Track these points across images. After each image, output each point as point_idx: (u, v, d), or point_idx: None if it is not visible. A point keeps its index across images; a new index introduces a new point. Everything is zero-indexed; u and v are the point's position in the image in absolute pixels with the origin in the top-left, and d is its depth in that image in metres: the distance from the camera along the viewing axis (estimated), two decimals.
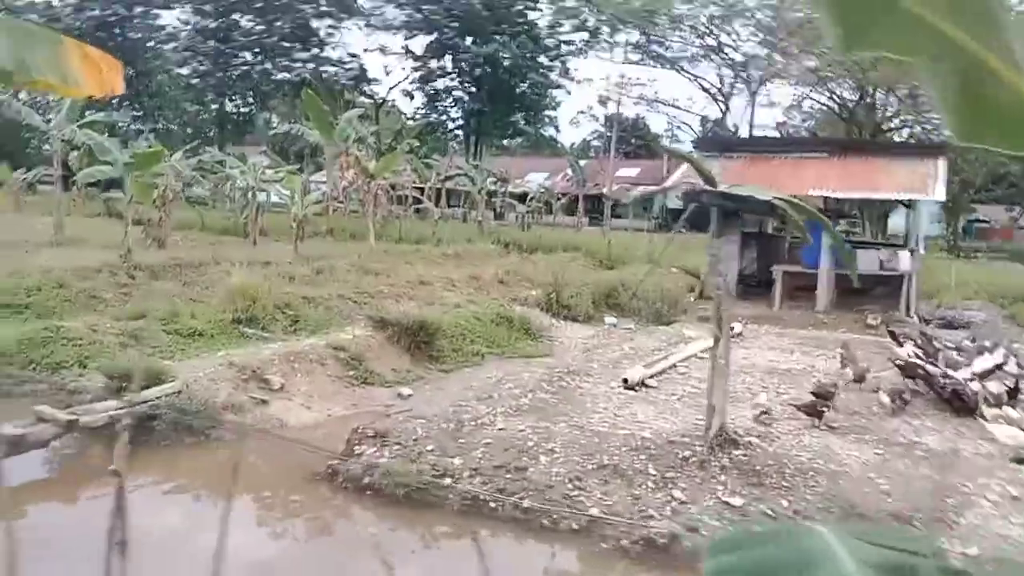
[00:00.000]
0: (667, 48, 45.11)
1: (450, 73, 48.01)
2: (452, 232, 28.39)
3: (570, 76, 50.10)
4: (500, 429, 7.54)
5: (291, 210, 21.01)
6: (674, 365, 10.29)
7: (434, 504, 6.61)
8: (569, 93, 59.40)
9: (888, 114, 49.48)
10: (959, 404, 8.70)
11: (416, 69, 48.04)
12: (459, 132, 49.32)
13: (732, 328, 13.00)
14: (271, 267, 18.41)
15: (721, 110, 45.08)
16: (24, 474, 6.94)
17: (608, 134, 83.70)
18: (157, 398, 8.07)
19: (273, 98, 50.36)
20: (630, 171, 52.65)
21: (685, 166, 16.11)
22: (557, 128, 62.95)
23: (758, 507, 6.21)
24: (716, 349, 6.78)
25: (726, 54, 42.48)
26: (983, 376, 9.44)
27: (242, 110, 51.04)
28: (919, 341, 11.85)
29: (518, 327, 13.39)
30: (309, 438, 8.50)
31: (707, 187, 6.59)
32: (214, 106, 48.16)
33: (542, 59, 48.86)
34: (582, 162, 60.58)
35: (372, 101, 46.37)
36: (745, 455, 6.77)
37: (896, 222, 27.14)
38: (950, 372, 9.22)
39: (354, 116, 27.10)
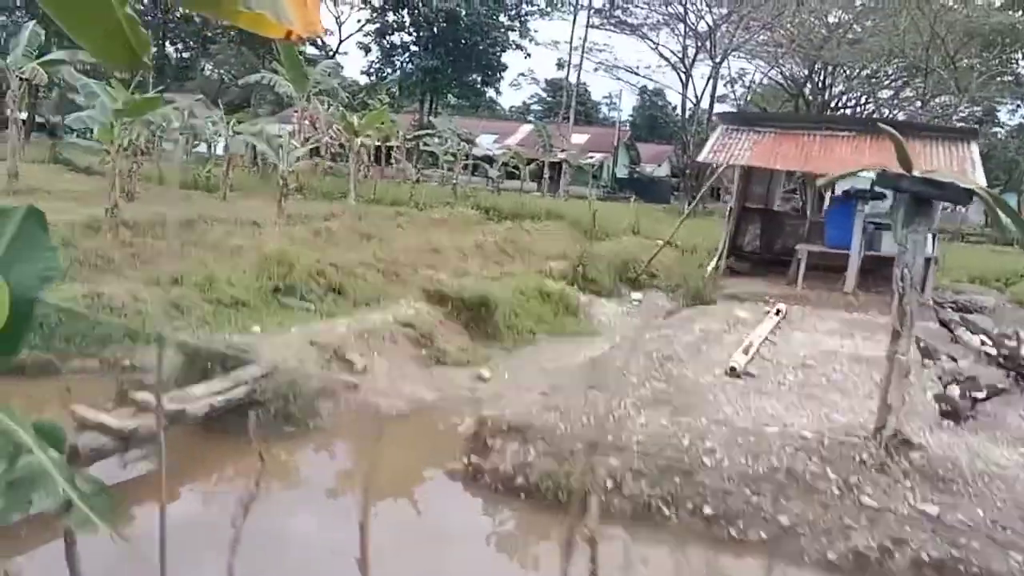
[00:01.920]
0: (630, 14, 44.42)
1: (407, 27, 46.36)
2: (428, 194, 27.45)
3: (530, 37, 49.22)
4: (643, 424, 7.00)
5: (278, 166, 19.75)
6: (757, 350, 9.90)
7: (601, 510, 6.07)
8: (528, 56, 58.41)
9: (837, 91, 50.34)
10: None
11: (372, 21, 46.29)
12: (415, 89, 47.78)
13: (779, 310, 12.79)
14: (262, 228, 17.39)
15: (682, 80, 44.86)
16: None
17: (549, 98, 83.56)
18: (245, 382, 7.23)
19: (215, 43, 47.78)
20: (580, 137, 52.21)
21: (715, 137, 15.71)
22: (498, 91, 62.05)
23: (955, 516, 5.88)
24: (897, 345, 6.37)
25: (691, 23, 42.15)
26: None
27: (183, 55, 48.15)
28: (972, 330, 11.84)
29: (558, 303, 12.85)
30: (410, 427, 7.85)
31: (903, 172, 6.10)
32: (152, 49, 45.04)
33: (502, 18, 47.69)
34: (529, 126, 60.00)
35: (324, 53, 44.42)
36: (923, 458, 6.42)
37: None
38: None
39: (329, 67, 25.73)
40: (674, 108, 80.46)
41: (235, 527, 2.18)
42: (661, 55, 45.30)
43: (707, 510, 5.97)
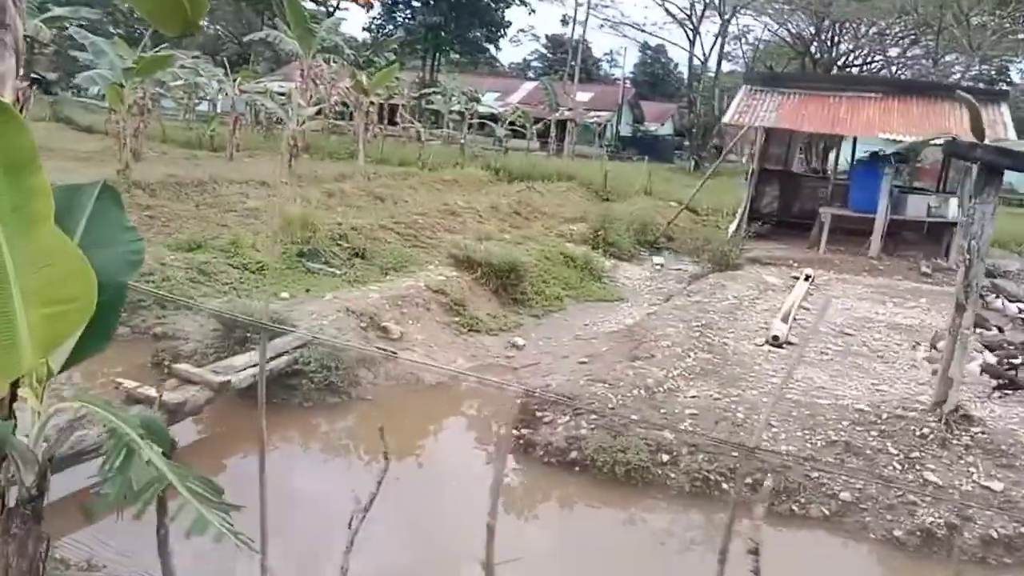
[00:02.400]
0: None
1: None
2: (435, 154, 27.04)
3: None
4: (693, 396, 6.87)
5: (288, 125, 19.38)
6: (794, 318, 9.74)
7: (656, 484, 5.96)
8: (532, 12, 57.27)
9: (844, 49, 49.56)
10: None
11: None
12: (417, 46, 46.92)
13: (808, 276, 12.62)
14: (274, 188, 17.14)
15: (688, 37, 44.13)
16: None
17: (550, 55, 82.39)
18: (286, 352, 7.05)
19: None
20: (584, 95, 51.42)
21: (739, 97, 15.38)
22: (498, 47, 60.91)
23: (1020, 492, 5.78)
24: (961, 317, 6.21)
25: None
26: None
27: None
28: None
29: (582, 267, 12.66)
30: (452, 396, 7.71)
31: (975, 142, 5.88)
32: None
33: None
34: (532, 84, 59.14)
35: (324, 9, 43.48)
36: (984, 432, 6.30)
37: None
38: None
39: (335, 24, 25.13)
40: (676, 65, 79.69)
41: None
42: (667, 11, 44.41)
43: (767, 485, 5.84)
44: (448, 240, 14.40)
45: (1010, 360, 8.47)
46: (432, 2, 45.83)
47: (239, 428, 6.25)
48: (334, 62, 27.75)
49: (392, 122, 31.20)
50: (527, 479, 6.13)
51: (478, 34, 48.91)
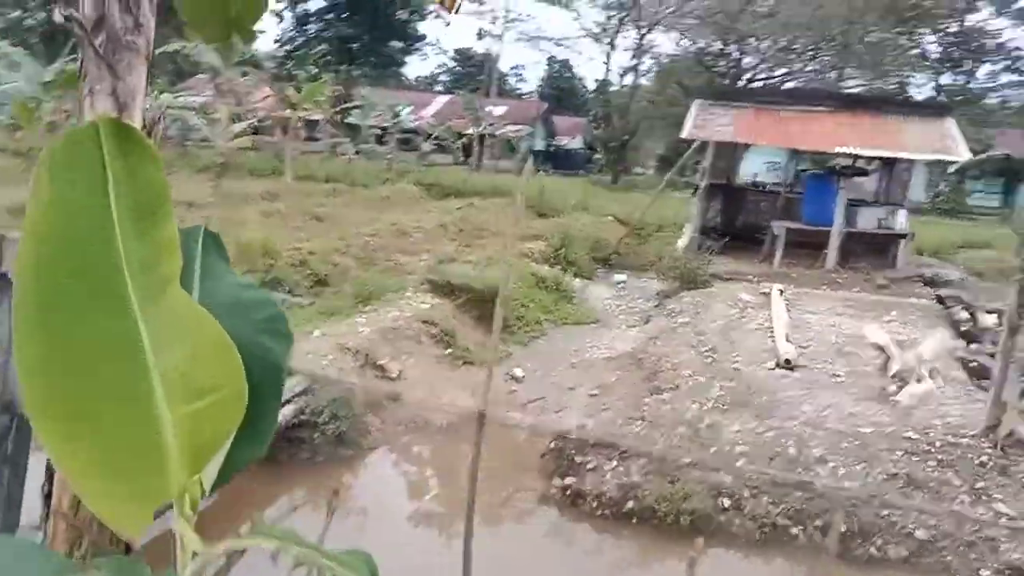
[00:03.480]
0: None
1: None
2: (363, 170, 26.16)
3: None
4: (736, 431, 6.46)
5: (215, 141, 18.29)
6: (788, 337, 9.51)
7: (722, 532, 5.52)
8: (448, 24, 56.80)
9: (748, 63, 50.98)
10: None
11: None
12: (330, 59, 45.61)
13: (781, 291, 12.51)
14: (203, 209, 16.10)
15: (606, 52, 44.43)
16: None
17: (459, 68, 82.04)
18: (288, 400, 6.30)
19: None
20: (499, 110, 51.28)
21: (693, 113, 15.23)
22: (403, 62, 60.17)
23: None
24: (1011, 340, 6.02)
25: None
26: None
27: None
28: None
29: (553, 289, 12.21)
30: (468, 440, 7.07)
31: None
32: (41, 14, 41.51)
33: None
34: (445, 97, 58.64)
35: None
36: None
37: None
38: None
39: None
40: (581, 79, 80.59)
41: None
42: (583, 26, 44.69)
43: (840, 527, 5.48)
44: (405, 262, 13.75)
45: None
46: (346, 14, 44.75)
47: (242, 494, 5.48)
48: (245, 75, 26.62)
49: (311, 138, 30.09)
50: (581, 535, 5.57)
51: (394, 45, 48.01)
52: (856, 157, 14.88)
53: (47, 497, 2.69)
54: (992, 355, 8.50)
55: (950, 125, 14.55)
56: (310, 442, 6.12)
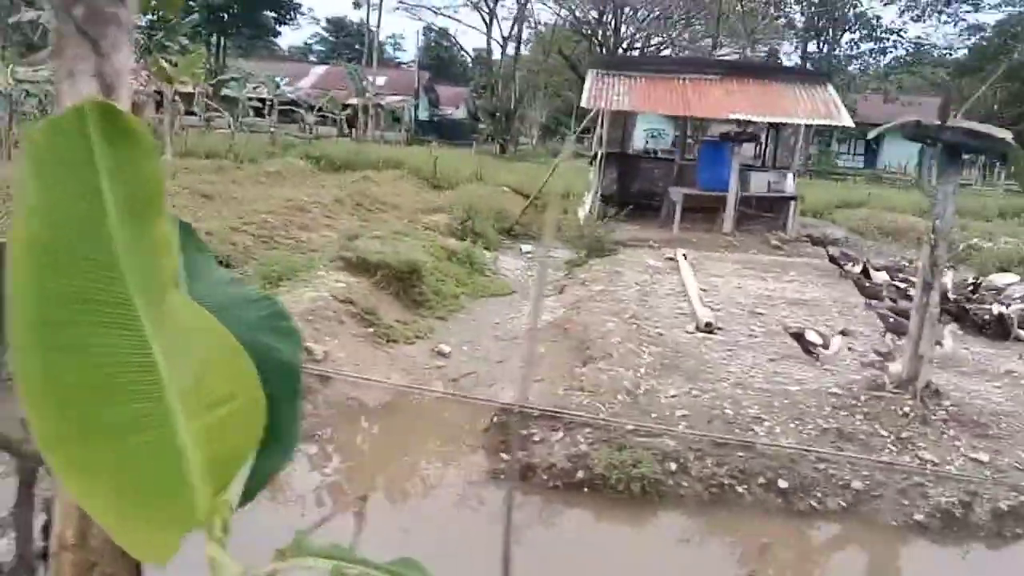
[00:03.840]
0: None
1: None
2: (247, 146, 25.09)
3: None
4: (673, 396, 6.57)
5: None
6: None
7: (672, 495, 5.61)
8: None
9: (628, 32, 51.80)
10: (998, 330, 9.16)
11: None
12: (200, 29, 43.42)
13: (685, 255, 12.83)
14: None
15: (485, 21, 44.16)
16: None
17: (332, 38, 79.82)
18: None
19: None
20: (379, 79, 50.30)
21: (589, 82, 15.32)
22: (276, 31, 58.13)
23: (1004, 461, 5.98)
24: (929, 296, 6.34)
25: None
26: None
27: None
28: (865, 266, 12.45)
29: (465, 262, 12.08)
30: (408, 420, 6.94)
31: (943, 123, 5.96)
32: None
33: None
34: (322, 68, 56.99)
35: None
36: (954, 405, 6.50)
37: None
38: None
39: None
40: (460, 49, 79.96)
41: None
42: None
43: (781, 483, 5.67)
44: (307, 239, 13.32)
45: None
46: None
47: None
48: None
49: (189, 112, 28.63)
50: (535, 508, 5.54)
51: (265, 16, 46.13)
52: (748, 123, 15.35)
53: (45, 530, 2.41)
54: (895, 312, 8.99)
55: (831, 91, 15.20)
56: None
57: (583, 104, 14.84)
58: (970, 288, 10.94)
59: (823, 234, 16.79)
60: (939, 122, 5.99)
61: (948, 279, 11.36)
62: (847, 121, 14.41)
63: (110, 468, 1.47)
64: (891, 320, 7.66)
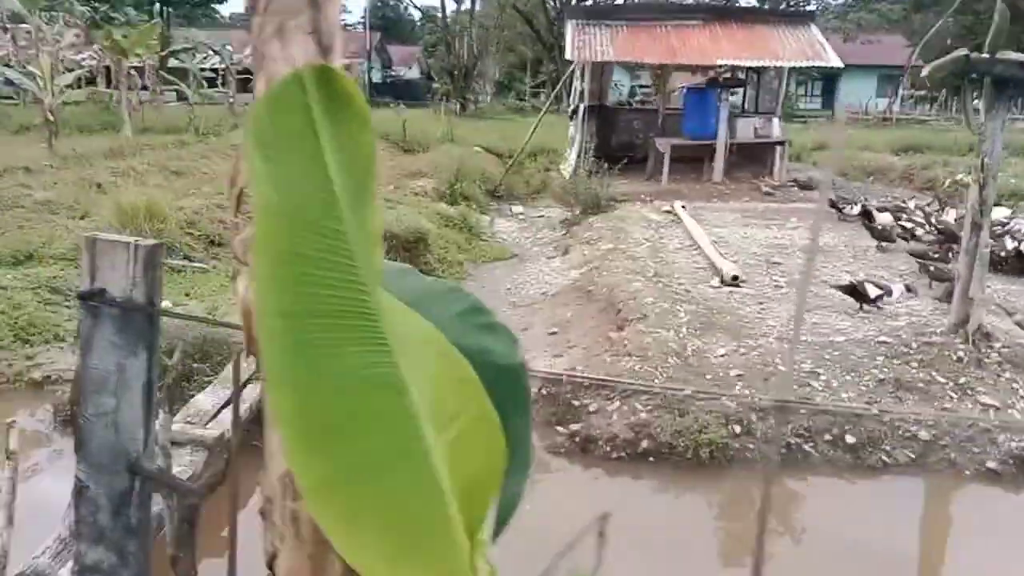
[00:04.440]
0: None
1: None
2: (207, 119, 24.18)
3: None
4: (722, 355, 6.36)
5: (44, 99, 16.24)
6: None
7: (740, 460, 5.42)
8: None
9: None
10: (1016, 265, 9.09)
11: None
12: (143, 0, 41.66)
13: (684, 207, 12.62)
14: (44, 174, 14.42)
15: None
16: None
17: None
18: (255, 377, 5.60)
19: None
20: None
21: (571, 33, 14.85)
22: None
23: None
24: (977, 237, 6.18)
25: None
26: None
27: None
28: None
29: (463, 227, 11.74)
30: None
31: (995, 56, 5.72)
32: None
33: None
34: None
35: None
36: (1006, 347, 6.39)
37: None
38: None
39: None
40: (406, 7, 78.36)
41: None
42: None
43: (848, 439, 5.51)
44: None
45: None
46: None
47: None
48: (52, 22, 23.89)
49: (143, 87, 27.51)
50: (604, 483, 5.31)
51: None
52: (734, 68, 15.08)
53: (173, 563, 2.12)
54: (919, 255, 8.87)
55: (816, 32, 14.97)
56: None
57: (567, 56, 14.41)
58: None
59: (809, 178, 16.67)
60: (988, 54, 5.76)
61: (951, 216, 11.32)
62: (836, 61, 14.21)
63: (370, 513, 1.21)
64: (931, 269, 7.48)
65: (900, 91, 37.12)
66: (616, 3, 28.66)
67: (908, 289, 7.29)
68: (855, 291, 7.19)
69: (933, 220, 11.31)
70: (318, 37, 1.40)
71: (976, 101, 6.16)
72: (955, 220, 11.21)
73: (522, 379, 1.78)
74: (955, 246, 9.47)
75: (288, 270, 1.15)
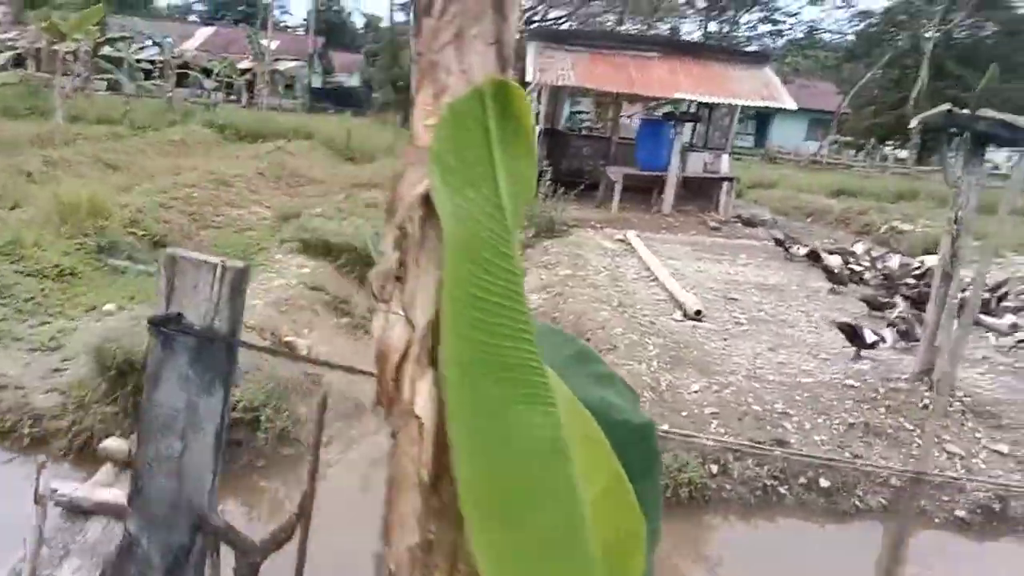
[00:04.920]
0: None
1: None
2: (143, 111, 23.28)
3: None
4: (695, 392, 6.29)
5: None
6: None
7: (717, 500, 5.35)
8: None
9: (527, 4, 51.28)
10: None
11: None
12: None
13: (638, 235, 12.63)
14: None
15: None
16: None
17: None
18: None
19: None
20: (272, 44, 48.02)
21: (533, 55, 14.78)
22: None
23: (1022, 451, 6.03)
24: (949, 287, 6.29)
25: None
26: None
27: None
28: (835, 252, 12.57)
29: None
30: None
31: (976, 114, 5.85)
32: None
33: None
34: (208, 29, 54.01)
35: None
36: (967, 396, 6.51)
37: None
38: None
39: None
40: (349, 14, 77.62)
41: None
42: None
43: (823, 483, 5.50)
44: (236, 217, 12.39)
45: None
46: None
47: None
48: None
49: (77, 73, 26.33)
50: None
51: None
52: (688, 103, 15.25)
53: None
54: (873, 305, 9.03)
55: (770, 73, 15.28)
56: (249, 445, 5.17)
57: (527, 79, 14.33)
58: (916, 271, 11.16)
59: (752, 215, 16.97)
60: (969, 111, 5.88)
61: (894, 262, 11.63)
62: (790, 103, 14.53)
63: None
64: (901, 329, 7.58)
65: (830, 136, 38.39)
66: (574, 29, 28.98)
67: (902, 336, 7.41)
68: (854, 333, 7.22)
69: (879, 265, 11.61)
70: (500, 49, 1.22)
71: (951, 155, 6.26)
72: (899, 266, 11.54)
73: (651, 439, 1.63)
74: (902, 290, 9.75)
75: (465, 314, 1.03)
